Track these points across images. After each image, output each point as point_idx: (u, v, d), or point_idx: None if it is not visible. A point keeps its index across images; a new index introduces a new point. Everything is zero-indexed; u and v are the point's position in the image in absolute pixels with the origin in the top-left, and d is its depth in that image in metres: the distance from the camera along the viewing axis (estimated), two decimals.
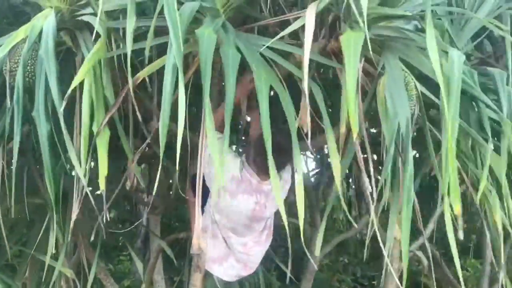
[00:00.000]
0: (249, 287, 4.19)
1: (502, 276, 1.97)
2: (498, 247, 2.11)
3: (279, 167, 2.25)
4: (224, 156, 2.16)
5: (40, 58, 1.64)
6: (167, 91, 1.41)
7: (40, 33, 1.66)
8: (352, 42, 1.53)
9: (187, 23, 1.49)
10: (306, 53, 1.44)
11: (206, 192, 2.34)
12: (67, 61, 1.95)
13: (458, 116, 1.51)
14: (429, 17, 1.49)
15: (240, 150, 3.69)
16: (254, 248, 2.39)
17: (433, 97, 1.79)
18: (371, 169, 1.74)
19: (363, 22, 1.42)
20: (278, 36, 1.69)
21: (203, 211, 2.40)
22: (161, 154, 1.47)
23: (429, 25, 1.49)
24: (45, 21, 1.66)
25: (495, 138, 1.90)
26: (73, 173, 2.88)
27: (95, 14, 1.66)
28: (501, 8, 2.28)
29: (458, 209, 1.55)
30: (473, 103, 1.84)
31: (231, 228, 2.33)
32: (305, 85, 1.46)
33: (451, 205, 1.56)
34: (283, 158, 2.15)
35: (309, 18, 1.51)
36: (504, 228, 3.65)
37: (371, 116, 2.23)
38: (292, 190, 2.45)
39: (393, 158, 1.63)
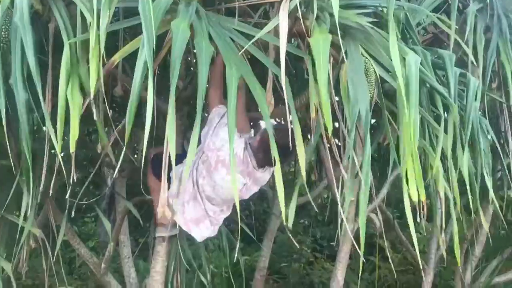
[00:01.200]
0: (213, 248, 4.34)
1: (439, 237, 2.17)
2: (446, 211, 2.29)
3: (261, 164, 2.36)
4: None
5: (14, 24, 1.65)
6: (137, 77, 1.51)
7: None
8: (321, 46, 1.65)
9: (162, 16, 1.57)
10: (282, 56, 1.52)
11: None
12: (35, 24, 1.96)
13: (418, 118, 1.69)
14: (392, 28, 1.61)
15: None
16: (220, 216, 2.54)
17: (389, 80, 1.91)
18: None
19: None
20: (258, 36, 1.75)
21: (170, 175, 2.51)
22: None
23: (391, 34, 1.61)
24: None
25: (445, 113, 2.06)
26: (41, 136, 2.91)
27: None
28: None
29: (423, 197, 1.73)
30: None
31: (208, 197, 2.43)
32: (282, 81, 1.54)
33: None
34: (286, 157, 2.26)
35: (282, 20, 1.57)
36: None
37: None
38: None
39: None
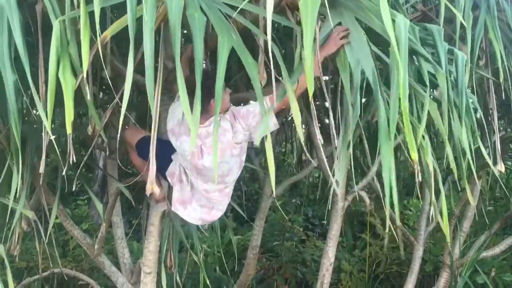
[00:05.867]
0: (206, 228, 4.39)
1: (432, 210, 2.20)
2: (436, 189, 2.33)
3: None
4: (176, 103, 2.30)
5: (0, 6, 1.64)
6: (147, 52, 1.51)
7: None
8: (309, 6, 1.62)
9: None
10: (269, 22, 1.47)
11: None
12: (21, 5, 1.94)
13: (407, 76, 1.66)
14: None
15: None
16: (216, 196, 2.49)
17: (380, 53, 1.92)
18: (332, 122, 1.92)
19: None
20: (242, 5, 1.73)
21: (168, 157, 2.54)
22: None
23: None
24: None
25: (432, 90, 2.07)
26: (31, 119, 2.91)
27: None
28: None
29: (415, 156, 1.74)
30: (414, 57, 1.98)
31: (193, 169, 2.41)
32: (269, 47, 1.51)
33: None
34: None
35: None
36: (443, 170, 3.91)
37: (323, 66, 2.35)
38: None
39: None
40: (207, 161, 2.31)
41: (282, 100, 2.04)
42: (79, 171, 2.42)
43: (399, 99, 1.66)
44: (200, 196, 2.49)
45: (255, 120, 2.24)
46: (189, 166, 2.40)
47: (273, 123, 2.23)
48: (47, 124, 1.66)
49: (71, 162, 1.76)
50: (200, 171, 2.38)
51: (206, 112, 2.30)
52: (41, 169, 1.86)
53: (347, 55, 1.80)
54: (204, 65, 2.92)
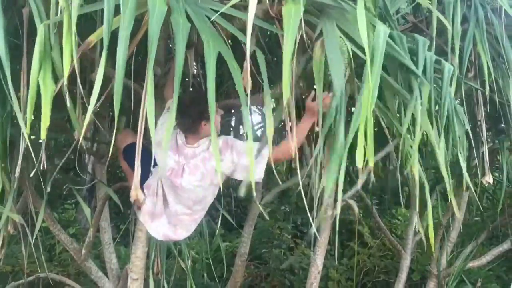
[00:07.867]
0: (194, 235, 4.36)
1: (415, 219, 2.21)
2: (424, 198, 2.33)
3: (185, 128, 2.31)
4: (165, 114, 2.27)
5: None
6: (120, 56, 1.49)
7: None
8: (292, 15, 1.63)
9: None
10: (249, 24, 1.48)
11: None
12: (10, 9, 1.94)
13: (378, 84, 1.66)
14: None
15: None
16: (185, 219, 2.46)
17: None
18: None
19: None
20: (224, 8, 1.73)
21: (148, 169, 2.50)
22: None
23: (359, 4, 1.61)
24: None
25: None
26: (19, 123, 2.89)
27: None
28: None
29: (371, 163, 1.73)
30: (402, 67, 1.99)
31: (170, 186, 2.39)
32: (247, 54, 1.53)
33: None
34: (190, 119, 2.25)
35: None
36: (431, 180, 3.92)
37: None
38: None
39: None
40: (185, 181, 2.31)
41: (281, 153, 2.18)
42: (54, 173, 2.39)
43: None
44: (170, 214, 2.46)
45: (248, 160, 2.18)
46: (167, 182, 2.38)
47: (258, 176, 2.22)
48: (24, 128, 1.65)
49: (53, 166, 1.75)
50: (175, 190, 2.37)
51: (195, 133, 2.32)
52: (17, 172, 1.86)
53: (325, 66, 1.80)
54: (198, 79, 2.94)
